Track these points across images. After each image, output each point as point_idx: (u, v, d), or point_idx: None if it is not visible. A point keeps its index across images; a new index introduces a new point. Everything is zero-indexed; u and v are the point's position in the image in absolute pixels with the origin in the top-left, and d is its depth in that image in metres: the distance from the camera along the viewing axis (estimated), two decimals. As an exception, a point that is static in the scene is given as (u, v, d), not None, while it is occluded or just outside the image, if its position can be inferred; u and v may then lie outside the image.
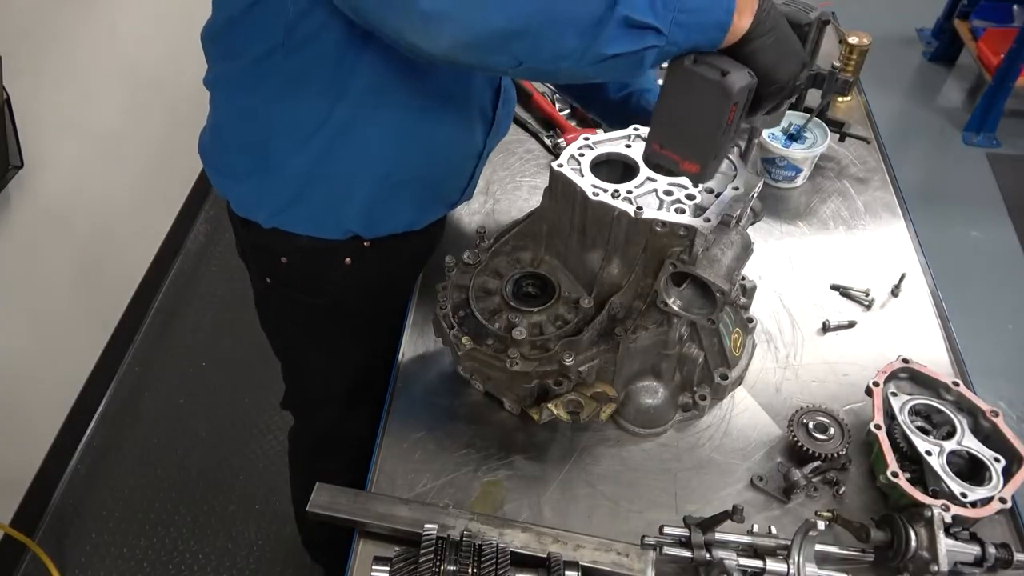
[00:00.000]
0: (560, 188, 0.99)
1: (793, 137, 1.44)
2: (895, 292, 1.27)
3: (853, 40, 1.62)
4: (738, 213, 0.94)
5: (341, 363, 1.37)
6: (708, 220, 0.92)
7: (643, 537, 0.90)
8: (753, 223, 1.04)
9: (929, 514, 0.87)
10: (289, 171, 1.07)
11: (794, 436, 1.02)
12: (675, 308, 0.94)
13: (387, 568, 0.85)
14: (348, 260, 1.17)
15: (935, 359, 1.16)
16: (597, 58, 0.79)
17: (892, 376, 1.06)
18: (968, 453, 0.96)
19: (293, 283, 1.23)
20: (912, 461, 0.97)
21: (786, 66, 0.85)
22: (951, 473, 0.94)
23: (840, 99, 1.67)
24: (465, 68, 0.85)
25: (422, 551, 0.85)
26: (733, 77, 0.80)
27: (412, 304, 1.27)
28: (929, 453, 0.96)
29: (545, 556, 0.89)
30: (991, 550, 0.88)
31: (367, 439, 1.11)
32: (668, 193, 0.96)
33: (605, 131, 1.07)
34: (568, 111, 1.63)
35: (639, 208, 0.93)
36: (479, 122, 1.13)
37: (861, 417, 1.08)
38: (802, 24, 0.89)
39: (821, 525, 0.87)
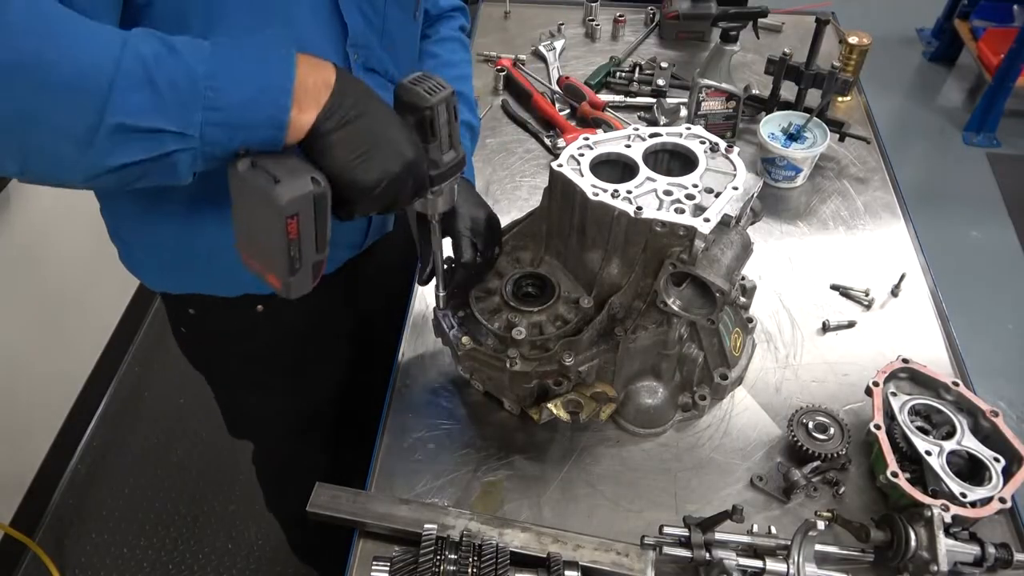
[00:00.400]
0: (560, 188, 0.99)
1: (793, 137, 1.44)
2: (895, 292, 1.27)
3: (853, 40, 1.62)
4: (738, 213, 0.94)
5: (279, 401, 1.30)
6: (708, 220, 0.92)
7: (643, 537, 0.90)
8: (753, 223, 1.04)
9: (929, 514, 0.87)
10: (153, 238, 0.99)
11: (794, 436, 1.02)
12: (675, 308, 0.94)
13: (387, 567, 0.85)
14: (260, 307, 1.10)
15: (935, 359, 1.16)
16: (101, 169, 0.66)
17: (892, 376, 1.06)
18: (968, 453, 0.96)
19: (208, 334, 1.17)
20: (912, 461, 0.97)
21: (373, 165, 0.72)
22: (951, 473, 0.94)
23: (840, 99, 1.67)
24: None
25: (422, 551, 0.85)
26: (284, 187, 0.68)
27: (412, 304, 1.27)
28: (929, 453, 0.96)
29: (545, 556, 0.89)
30: (991, 550, 0.88)
31: (329, 466, 1.06)
32: (668, 193, 0.96)
33: (604, 131, 1.07)
34: (568, 111, 1.64)
35: (639, 208, 0.93)
36: None
37: (861, 417, 1.08)
38: (421, 108, 0.76)
39: (821, 525, 0.87)
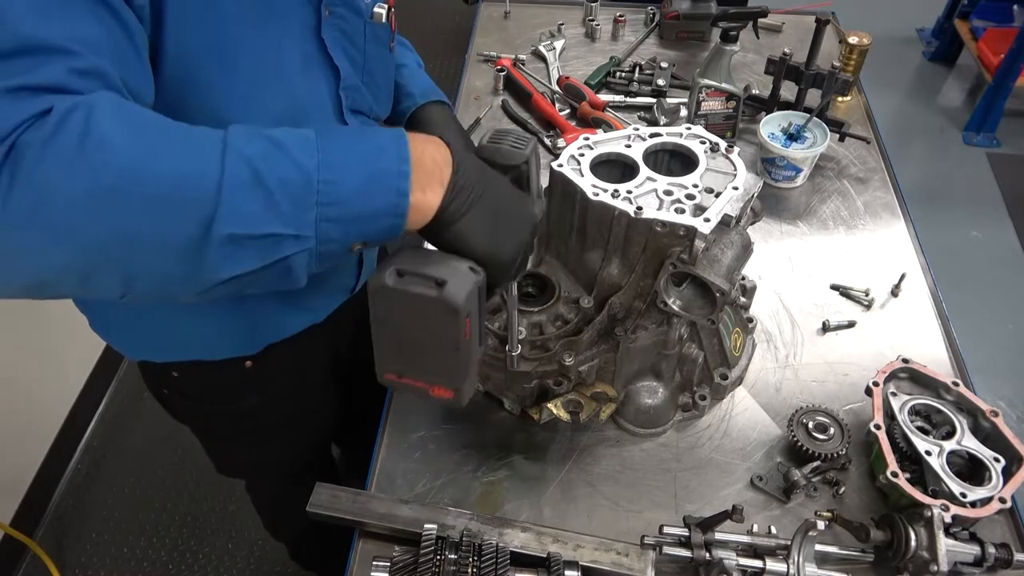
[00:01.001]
0: (560, 188, 0.99)
1: (793, 137, 1.44)
2: (895, 292, 1.27)
3: (853, 40, 1.62)
4: (738, 213, 0.94)
5: (272, 454, 1.27)
6: (708, 220, 0.92)
7: (643, 537, 0.90)
8: (753, 223, 1.04)
9: (929, 514, 0.87)
10: (133, 314, 0.96)
11: (794, 436, 1.02)
12: (675, 308, 0.94)
13: (387, 568, 0.85)
14: (248, 363, 1.04)
15: (935, 359, 1.16)
16: (213, 283, 0.61)
17: (892, 376, 1.05)
18: (968, 453, 0.96)
19: (192, 394, 1.12)
20: (912, 461, 0.97)
21: (511, 237, 0.69)
22: (951, 473, 0.94)
23: (840, 99, 1.67)
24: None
25: (422, 551, 0.85)
26: (453, 286, 0.64)
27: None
28: (929, 453, 0.96)
29: (545, 556, 0.89)
30: (991, 550, 0.88)
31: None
32: (668, 193, 0.96)
33: (604, 131, 1.07)
34: (568, 111, 1.64)
35: (639, 208, 0.93)
36: None
37: (861, 417, 1.08)
38: (518, 165, 0.71)
39: (821, 525, 0.87)
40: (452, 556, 0.85)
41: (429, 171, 0.64)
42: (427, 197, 0.64)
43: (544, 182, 1.01)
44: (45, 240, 0.54)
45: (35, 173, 0.52)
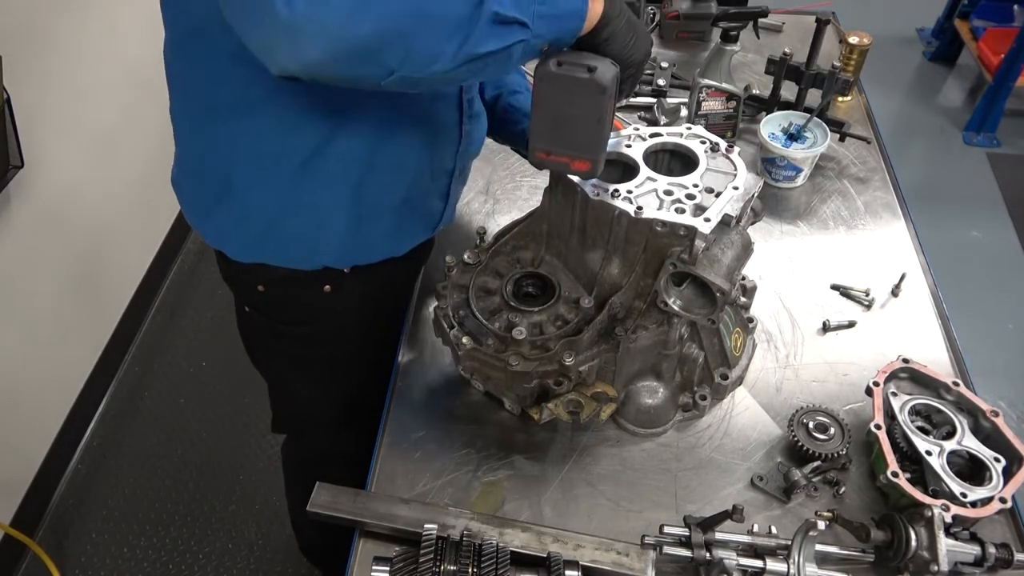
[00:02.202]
0: (560, 188, 0.99)
1: (793, 137, 1.44)
2: (895, 292, 1.27)
3: (853, 40, 1.62)
4: (738, 213, 0.94)
5: (327, 389, 1.34)
6: (708, 220, 0.92)
7: (643, 537, 0.90)
8: (753, 223, 1.04)
9: (929, 514, 0.87)
10: (254, 205, 1.05)
11: (794, 436, 1.02)
12: (675, 308, 0.94)
13: (387, 568, 0.85)
14: (328, 287, 1.14)
15: (935, 359, 1.16)
16: (469, 57, 0.78)
17: (892, 376, 1.05)
18: (968, 453, 0.96)
19: (272, 312, 1.21)
20: (912, 461, 0.97)
21: (640, 46, 0.88)
22: (951, 473, 0.94)
23: (840, 99, 1.67)
24: (333, 83, 0.79)
25: (422, 551, 0.85)
26: (601, 70, 0.82)
27: (412, 304, 1.27)
28: (929, 453, 0.96)
29: (545, 556, 0.89)
30: (991, 550, 0.88)
31: (358, 460, 1.09)
32: (668, 193, 0.96)
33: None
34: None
35: (639, 208, 0.93)
36: (445, 142, 1.10)
37: (861, 417, 1.08)
38: (633, 1, 0.95)
39: (821, 525, 0.87)
40: (452, 556, 0.85)
41: None
42: (595, 6, 0.83)
43: (544, 181, 1.01)
44: (366, 9, 0.71)
45: None
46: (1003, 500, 0.92)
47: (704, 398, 1.08)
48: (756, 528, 0.91)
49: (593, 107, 0.84)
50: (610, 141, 1.03)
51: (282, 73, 0.77)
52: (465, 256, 1.06)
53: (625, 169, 1.01)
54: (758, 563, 0.88)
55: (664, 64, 1.71)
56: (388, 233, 1.12)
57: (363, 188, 1.04)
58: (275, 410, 1.46)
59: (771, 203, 1.43)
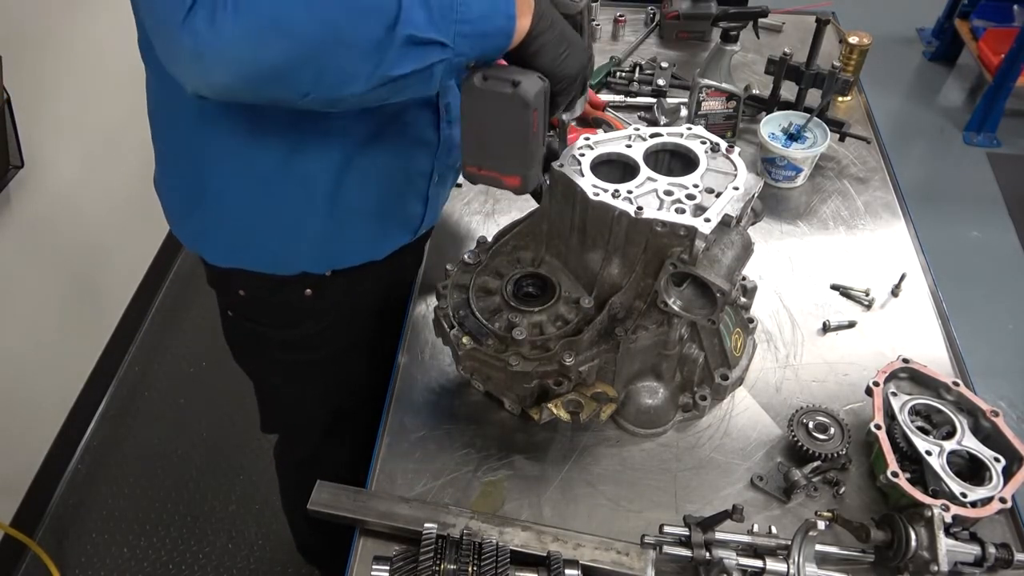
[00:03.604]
0: (560, 188, 0.99)
1: (793, 137, 1.44)
2: (895, 292, 1.27)
3: (853, 40, 1.62)
4: (738, 213, 0.94)
5: (313, 393, 1.34)
6: (708, 220, 0.92)
7: (643, 536, 0.90)
8: (753, 223, 1.04)
9: (929, 514, 0.87)
10: (228, 209, 1.05)
11: (794, 436, 1.02)
12: (675, 308, 0.94)
13: (387, 567, 0.85)
14: (308, 291, 1.14)
15: (935, 359, 1.16)
16: (385, 79, 0.76)
17: (892, 376, 1.06)
18: (968, 453, 0.96)
19: (254, 316, 1.21)
20: (912, 461, 0.97)
21: (572, 59, 0.86)
22: (951, 473, 0.94)
23: (840, 99, 1.67)
24: (248, 102, 0.78)
25: (422, 550, 0.85)
26: (525, 85, 0.80)
27: (412, 304, 1.27)
28: (929, 453, 0.96)
29: (545, 555, 0.89)
30: (991, 550, 0.88)
31: (350, 463, 1.09)
32: (668, 193, 0.96)
33: (605, 131, 1.07)
34: (568, 111, 1.64)
35: (639, 208, 0.93)
36: (420, 146, 1.09)
37: (861, 417, 1.08)
38: (573, 14, 0.90)
39: (821, 525, 0.87)
40: (452, 555, 0.85)
41: (524, 1, 0.82)
42: (522, 21, 0.81)
43: (544, 181, 1.01)
44: (273, 34, 0.70)
45: None
46: (1003, 500, 0.92)
47: (704, 398, 1.08)
48: (756, 528, 0.91)
49: (518, 123, 0.82)
50: (610, 141, 1.03)
51: (196, 94, 0.75)
52: (465, 256, 1.06)
53: (625, 169, 1.01)
54: (758, 563, 0.88)
55: (664, 64, 1.71)
56: (366, 237, 1.12)
57: (336, 192, 1.03)
58: (263, 412, 1.47)
59: (771, 203, 1.43)
